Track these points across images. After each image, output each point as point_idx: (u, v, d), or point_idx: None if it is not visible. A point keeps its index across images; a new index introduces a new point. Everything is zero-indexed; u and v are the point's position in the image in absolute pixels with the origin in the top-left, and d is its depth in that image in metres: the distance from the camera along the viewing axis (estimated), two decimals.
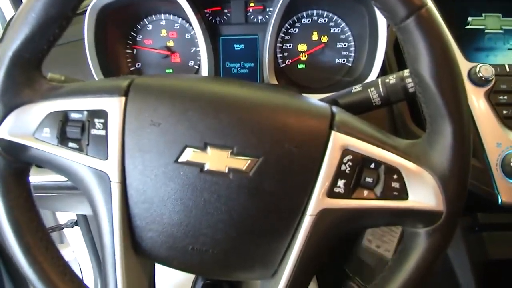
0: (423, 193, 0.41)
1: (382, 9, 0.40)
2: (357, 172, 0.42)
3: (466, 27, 0.75)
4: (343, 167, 0.41)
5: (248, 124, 0.41)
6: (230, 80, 0.48)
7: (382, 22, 0.68)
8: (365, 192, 0.42)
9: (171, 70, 0.79)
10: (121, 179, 0.42)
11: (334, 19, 0.77)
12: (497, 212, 0.72)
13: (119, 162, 0.42)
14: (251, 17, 0.77)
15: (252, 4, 0.77)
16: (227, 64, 0.77)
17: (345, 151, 0.41)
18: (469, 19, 0.75)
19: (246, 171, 0.41)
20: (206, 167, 0.41)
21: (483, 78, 0.67)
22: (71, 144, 0.42)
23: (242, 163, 0.41)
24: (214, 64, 0.74)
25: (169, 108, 0.41)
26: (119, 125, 0.42)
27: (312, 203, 0.41)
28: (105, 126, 0.42)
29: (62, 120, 0.42)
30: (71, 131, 0.42)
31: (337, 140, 0.41)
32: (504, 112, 0.68)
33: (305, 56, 0.78)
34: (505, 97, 0.68)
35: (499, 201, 0.65)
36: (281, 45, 0.77)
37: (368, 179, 0.42)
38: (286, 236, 0.43)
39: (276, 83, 0.73)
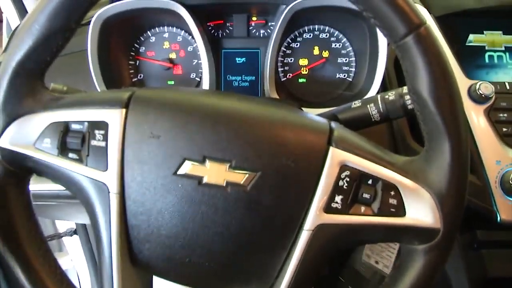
0: (420, 210, 0.41)
1: (381, 27, 0.40)
2: (355, 188, 0.42)
3: (467, 44, 0.76)
4: (340, 183, 0.42)
5: (247, 138, 0.41)
6: (230, 94, 0.49)
7: (382, 38, 0.69)
8: (362, 208, 0.42)
9: (173, 82, 0.79)
10: (120, 190, 0.42)
11: (335, 35, 0.77)
12: (496, 229, 0.71)
13: (118, 174, 0.42)
14: (253, 31, 0.78)
15: (254, 18, 0.78)
16: (229, 77, 0.78)
17: (343, 167, 0.42)
18: (470, 36, 0.76)
19: (244, 185, 0.41)
20: (204, 180, 0.41)
21: (483, 95, 0.67)
22: (71, 155, 0.43)
23: (240, 177, 0.41)
24: (215, 77, 0.74)
25: (169, 121, 0.42)
26: (119, 137, 0.42)
27: (309, 218, 0.41)
28: (105, 138, 0.42)
29: (63, 131, 0.43)
30: (71, 141, 0.43)
31: (335, 156, 0.42)
32: (504, 129, 0.68)
33: (306, 70, 0.78)
34: (505, 115, 0.68)
35: (498, 218, 0.65)
36: (282, 59, 0.78)
37: (366, 195, 0.42)
38: (282, 251, 0.43)
39: (277, 97, 0.73)
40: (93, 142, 0.42)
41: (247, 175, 0.41)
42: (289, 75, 0.78)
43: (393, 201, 0.42)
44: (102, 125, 0.42)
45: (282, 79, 0.78)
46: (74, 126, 0.43)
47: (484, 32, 0.76)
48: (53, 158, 0.43)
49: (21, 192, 0.47)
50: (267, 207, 0.41)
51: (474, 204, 0.65)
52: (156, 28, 0.79)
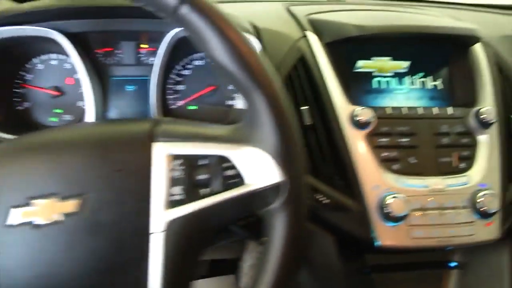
0: (260, 171, 0.41)
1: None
2: (190, 174, 0.41)
3: (356, 70, 0.77)
4: (175, 174, 0.41)
5: (66, 166, 0.40)
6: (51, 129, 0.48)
7: None
8: (205, 190, 0.42)
9: (60, 110, 0.77)
10: None
11: None
12: (384, 253, 0.72)
13: None
14: (142, 59, 0.77)
15: (143, 46, 0.77)
16: (118, 106, 0.76)
17: (172, 158, 0.41)
18: (359, 62, 0.77)
19: (78, 211, 0.39)
20: (38, 222, 0.39)
21: (363, 120, 0.68)
22: None
23: (71, 205, 0.40)
24: (101, 105, 0.73)
25: None
26: None
27: (156, 220, 0.40)
28: None
29: None
30: None
31: (161, 150, 0.41)
32: (384, 154, 0.69)
33: (196, 97, 0.77)
34: (385, 140, 0.69)
35: (377, 243, 0.65)
36: (172, 86, 0.77)
37: (202, 177, 0.42)
38: (142, 262, 0.40)
39: None
40: None
41: (77, 201, 0.39)
42: (179, 103, 0.77)
43: (230, 172, 0.42)
44: None
45: (171, 107, 0.77)
46: None
47: (373, 58, 0.78)
48: None
49: None
50: (109, 224, 0.40)
51: (353, 230, 0.66)
52: (43, 55, 0.77)
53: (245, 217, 0.44)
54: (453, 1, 1.11)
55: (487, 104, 0.74)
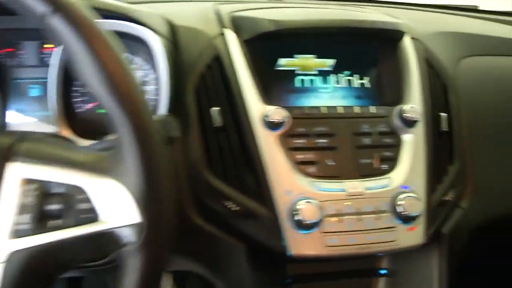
0: (117, 208, 0.37)
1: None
2: (42, 202, 0.37)
3: (277, 68, 0.73)
4: (26, 200, 0.37)
5: None
6: None
7: (162, 66, 0.65)
8: (55, 223, 0.37)
9: None
10: None
11: (135, 61, 0.73)
12: (303, 262, 0.67)
13: None
14: (46, 59, 0.72)
15: (47, 46, 0.72)
16: (20, 110, 0.71)
17: (26, 182, 0.37)
18: (281, 60, 0.73)
19: None
20: None
21: (275, 121, 0.64)
22: None
23: None
24: (1, 110, 0.67)
25: None
26: None
27: None
28: None
29: None
30: None
31: (14, 172, 0.37)
32: (299, 157, 0.64)
33: None
34: (301, 141, 0.65)
35: (289, 253, 0.60)
36: (78, 88, 0.72)
37: (54, 207, 0.37)
38: None
39: (67, 130, 0.67)
40: None
41: None
42: (87, 106, 0.72)
43: (84, 205, 0.37)
44: None
45: (77, 111, 0.72)
46: None
47: (296, 56, 0.74)
48: None
49: None
50: None
51: (264, 239, 0.61)
52: None
53: (98, 257, 0.40)
54: (395, 1, 1.08)
55: (414, 102, 0.71)
